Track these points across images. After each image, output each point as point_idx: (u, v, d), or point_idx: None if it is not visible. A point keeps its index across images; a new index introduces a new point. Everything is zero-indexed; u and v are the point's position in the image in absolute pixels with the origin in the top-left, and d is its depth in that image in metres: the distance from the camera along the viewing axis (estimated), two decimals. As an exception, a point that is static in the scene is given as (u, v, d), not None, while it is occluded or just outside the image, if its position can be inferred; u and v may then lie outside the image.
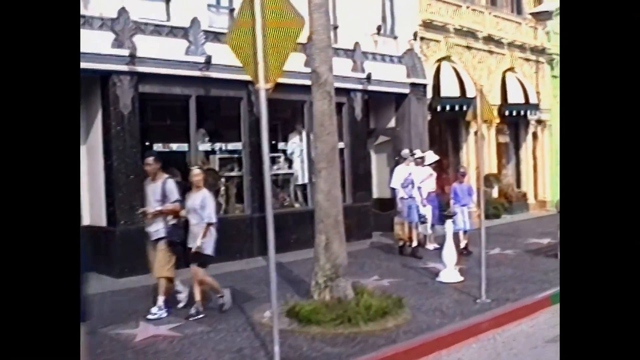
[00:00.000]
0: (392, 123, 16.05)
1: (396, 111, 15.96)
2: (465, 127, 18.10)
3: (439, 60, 17.04)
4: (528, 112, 19.18)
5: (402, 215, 12.07)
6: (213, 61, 11.69)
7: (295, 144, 14.27)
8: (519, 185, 20.65)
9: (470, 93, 16.86)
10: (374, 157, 16.44)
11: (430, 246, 12.87)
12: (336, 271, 7.95)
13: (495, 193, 18.91)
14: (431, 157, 12.87)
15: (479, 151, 18.61)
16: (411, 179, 11.97)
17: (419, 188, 12.35)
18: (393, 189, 12.67)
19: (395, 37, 15.85)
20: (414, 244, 12.07)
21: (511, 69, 19.57)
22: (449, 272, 10.06)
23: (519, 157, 20.71)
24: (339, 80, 14.21)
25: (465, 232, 12.28)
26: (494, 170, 18.96)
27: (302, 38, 13.64)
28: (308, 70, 13.89)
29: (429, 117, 16.51)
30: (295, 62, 13.73)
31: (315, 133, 8.06)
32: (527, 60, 20.49)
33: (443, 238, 11.63)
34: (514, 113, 18.91)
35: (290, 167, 14.37)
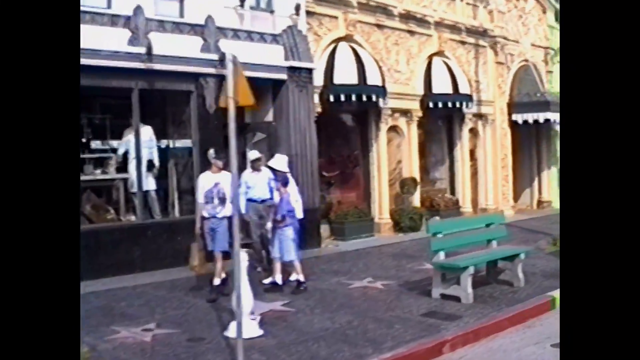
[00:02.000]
0: (269, 116, 13.23)
1: (274, 102, 13.14)
2: (375, 122, 15.24)
3: (336, 41, 14.19)
4: (458, 104, 16.25)
5: (206, 241, 9.10)
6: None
7: (131, 143, 11.49)
8: (452, 190, 17.75)
9: (372, 80, 14.03)
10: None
11: (299, 276, 9.87)
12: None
13: (416, 200, 16.03)
14: (279, 162, 9.95)
15: (394, 151, 15.83)
16: (219, 190, 9.08)
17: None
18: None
19: (272, 11, 13.03)
20: (216, 280, 9.13)
21: (439, 53, 16.67)
22: (245, 324, 7.24)
23: (453, 158, 17.79)
24: (183, 63, 11.52)
25: (287, 261, 9.37)
26: (416, 173, 16.08)
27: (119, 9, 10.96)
28: (136, 49, 11.30)
29: (318, 109, 13.69)
30: (120, 39, 11.05)
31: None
32: (463, 43, 17.59)
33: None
34: (440, 105, 16.01)
35: (123, 170, 11.64)
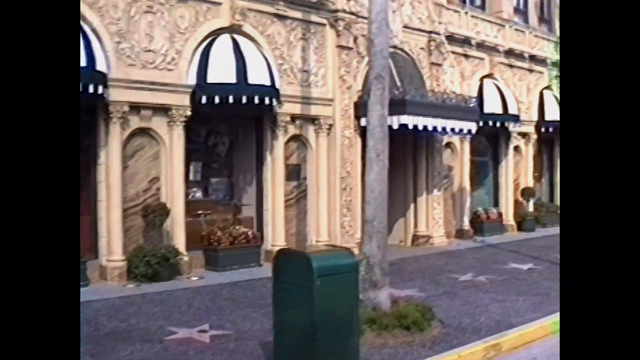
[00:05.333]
0: None
1: None
2: (104, 122, 11.13)
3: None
4: (247, 99, 11.98)
5: None
6: None
7: None
8: (260, 223, 13.51)
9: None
10: None
11: None
12: None
13: (180, 236, 11.84)
14: None
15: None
16: None
17: None
18: None
19: None
20: None
21: (232, 29, 12.53)
22: None
23: (262, 176, 13.54)
24: None
25: None
26: (180, 195, 11.92)
27: None
28: None
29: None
30: None
31: None
32: (280, 17, 13.35)
33: None
34: (217, 100, 11.85)
35: None
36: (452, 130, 14.83)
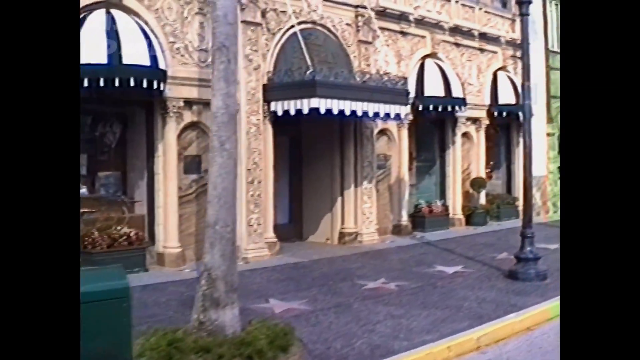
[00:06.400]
0: None
1: None
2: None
3: None
4: (132, 82, 10.51)
5: None
6: None
7: None
8: (152, 221, 12.04)
9: None
10: None
11: None
12: None
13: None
14: None
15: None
16: None
17: None
18: None
19: None
20: None
21: (112, 2, 11.00)
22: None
23: (153, 172, 12.05)
24: None
25: None
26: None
27: None
28: None
29: None
30: None
31: None
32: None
33: None
34: (86, 83, 10.34)
35: None
36: (377, 114, 13.30)
